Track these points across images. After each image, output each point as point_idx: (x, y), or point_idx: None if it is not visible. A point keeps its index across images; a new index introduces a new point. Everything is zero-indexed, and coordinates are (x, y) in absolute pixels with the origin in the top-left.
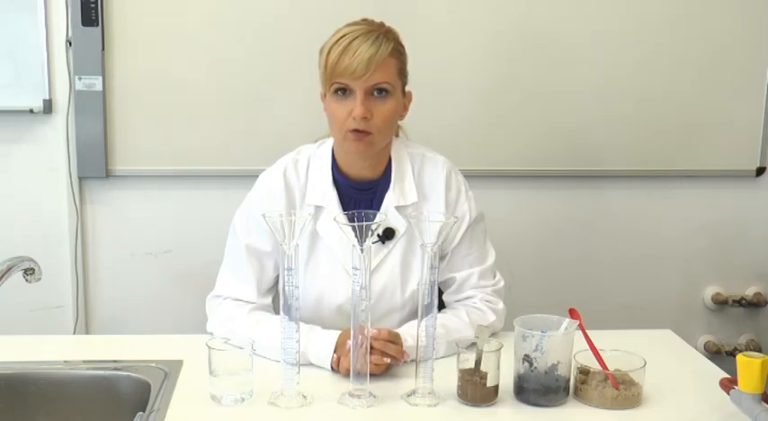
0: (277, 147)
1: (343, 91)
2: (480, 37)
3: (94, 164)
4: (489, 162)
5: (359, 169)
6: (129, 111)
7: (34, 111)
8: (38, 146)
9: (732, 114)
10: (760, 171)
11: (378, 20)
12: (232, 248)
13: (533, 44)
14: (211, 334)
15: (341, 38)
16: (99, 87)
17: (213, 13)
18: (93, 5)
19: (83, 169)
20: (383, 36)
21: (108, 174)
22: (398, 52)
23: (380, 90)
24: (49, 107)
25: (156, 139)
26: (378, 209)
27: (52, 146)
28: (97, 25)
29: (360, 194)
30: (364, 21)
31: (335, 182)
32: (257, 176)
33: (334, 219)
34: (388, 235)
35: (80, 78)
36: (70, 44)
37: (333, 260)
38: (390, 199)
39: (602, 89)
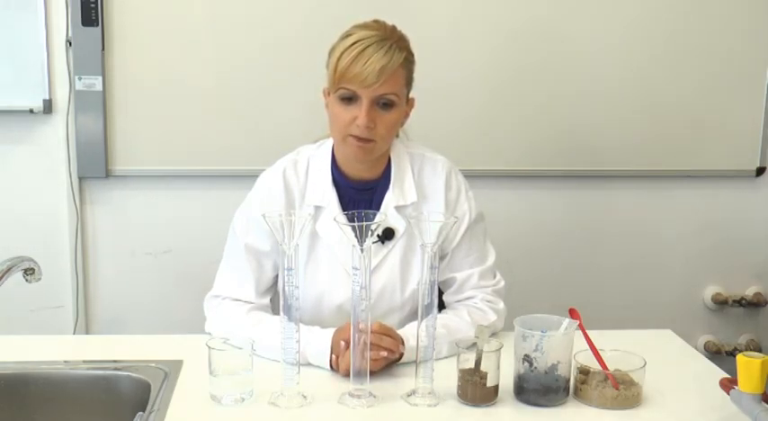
0: (277, 148)
1: (350, 96)
2: (482, 37)
3: (94, 164)
4: (489, 162)
5: (358, 170)
6: (129, 111)
7: (34, 111)
8: (38, 146)
9: (732, 114)
10: (760, 171)
11: (388, 22)
12: (231, 248)
13: (535, 45)
14: (210, 334)
15: (354, 43)
16: (99, 87)
17: (213, 13)
18: (93, 5)
19: (83, 169)
20: (396, 45)
21: (108, 174)
22: (408, 61)
23: (386, 101)
24: (49, 107)
25: (156, 139)
26: (377, 209)
27: (52, 146)
28: (97, 25)
29: (359, 194)
30: (376, 23)
31: (335, 182)
32: (257, 176)
33: (334, 220)
34: (387, 235)
35: (80, 78)
36: (70, 44)
37: (332, 260)
38: (390, 199)
39: (602, 90)
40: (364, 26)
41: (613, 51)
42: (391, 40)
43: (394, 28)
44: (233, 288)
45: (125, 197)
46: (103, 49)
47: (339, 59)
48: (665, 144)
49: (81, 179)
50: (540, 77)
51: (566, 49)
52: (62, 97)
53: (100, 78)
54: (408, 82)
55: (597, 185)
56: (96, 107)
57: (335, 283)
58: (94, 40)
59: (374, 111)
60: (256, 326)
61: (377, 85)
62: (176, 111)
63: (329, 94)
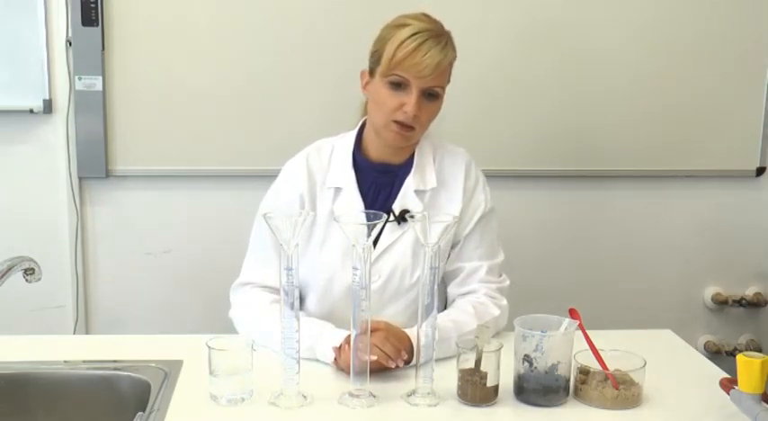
0: (279, 148)
1: (399, 82)
2: (482, 37)
3: (94, 164)
4: (490, 162)
5: (384, 154)
6: (129, 111)
7: (34, 111)
8: (38, 146)
9: (732, 114)
10: (760, 171)
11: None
12: (257, 235)
13: (536, 45)
14: (233, 320)
15: (414, 34)
16: (99, 87)
17: (214, 13)
18: (93, 5)
19: (83, 169)
20: (450, 42)
21: (108, 174)
22: (454, 60)
23: (433, 93)
24: (49, 107)
25: (157, 139)
26: (397, 192)
27: (52, 146)
28: (97, 25)
29: (381, 177)
30: (426, 17)
31: (356, 164)
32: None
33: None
34: (404, 216)
35: (80, 78)
36: (70, 44)
37: (347, 240)
38: (410, 183)
39: (602, 90)
40: (417, 18)
41: (613, 52)
42: (446, 37)
43: (442, 24)
44: (259, 273)
45: (125, 197)
46: (103, 49)
47: (398, 47)
48: (664, 144)
49: (81, 179)
50: (540, 78)
51: (567, 50)
52: (62, 97)
53: (100, 78)
54: (449, 78)
55: (597, 185)
56: (96, 107)
57: (347, 263)
58: (94, 40)
59: (421, 100)
60: (274, 315)
61: (431, 77)
62: (176, 112)
63: (372, 75)
